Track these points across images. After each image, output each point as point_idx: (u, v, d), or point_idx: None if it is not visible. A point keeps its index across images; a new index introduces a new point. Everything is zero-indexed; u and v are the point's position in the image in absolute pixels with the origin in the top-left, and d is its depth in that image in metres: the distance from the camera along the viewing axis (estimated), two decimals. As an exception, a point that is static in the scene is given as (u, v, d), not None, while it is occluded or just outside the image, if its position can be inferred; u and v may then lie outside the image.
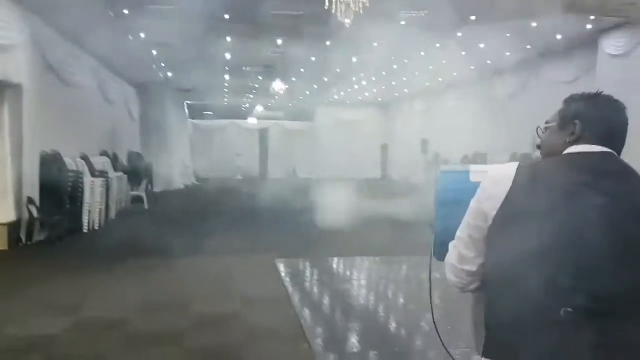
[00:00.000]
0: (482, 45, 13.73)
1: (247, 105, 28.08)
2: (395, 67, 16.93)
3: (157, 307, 5.75)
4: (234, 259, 7.95)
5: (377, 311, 6.02)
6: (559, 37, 12.65)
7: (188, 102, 25.28)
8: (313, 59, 15.47)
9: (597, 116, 1.52)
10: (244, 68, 17.50)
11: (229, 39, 13.18)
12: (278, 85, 18.92)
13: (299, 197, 14.97)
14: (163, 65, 16.84)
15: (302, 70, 17.20)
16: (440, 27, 11.57)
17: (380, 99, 26.51)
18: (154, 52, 14.69)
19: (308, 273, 7.82)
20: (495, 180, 1.51)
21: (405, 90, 23.26)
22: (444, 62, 15.99)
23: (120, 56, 14.32)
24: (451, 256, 1.62)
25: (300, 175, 27.17)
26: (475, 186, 1.55)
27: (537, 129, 1.65)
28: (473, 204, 1.55)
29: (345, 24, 8.34)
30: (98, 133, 14.47)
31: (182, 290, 6.31)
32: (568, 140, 1.53)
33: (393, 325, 5.50)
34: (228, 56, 15.14)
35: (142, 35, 12.53)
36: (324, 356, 4.48)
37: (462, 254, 1.58)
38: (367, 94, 24.62)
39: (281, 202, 14.38)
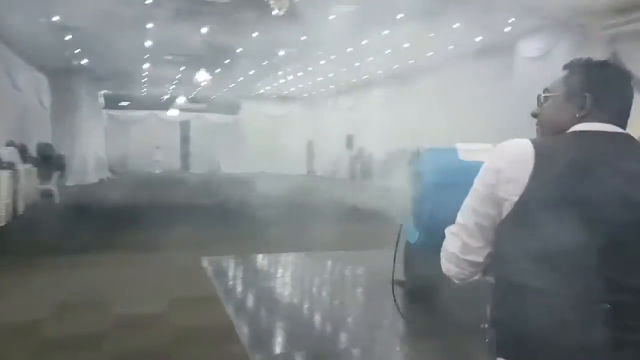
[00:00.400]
0: (406, 45, 14.00)
1: (168, 96, 27.15)
2: (322, 62, 16.93)
3: (73, 308, 5.35)
4: (156, 256, 7.59)
5: (306, 307, 5.93)
6: (478, 38, 13.11)
7: (104, 91, 24.12)
8: (239, 50, 15.15)
9: (608, 90, 1.41)
10: (165, 56, 16.86)
11: (150, 25, 12.59)
12: (202, 76, 18.36)
13: (221, 192, 14.65)
14: (77, 51, 15.89)
15: (228, 61, 16.81)
16: (368, 23, 11.67)
17: (305, 94, 26.50)
18: (68, 37, 13.80)
19: (234, 271, 7.60)
20: (513, 160, 1.34)
21: (331, 86, 23.39)
22: (370, 59, 16.20)
23: (30, 40, 13.39)
24: (451, 245, 1.47)
25: (225, 170, 26.66)
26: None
27: (537, 97, 1.52)
28: (480, 187, 1.38)
29: (277, 14, 8.16)
30: (5, 122, 13.60)
31: (100, 290, 5.92)
32: (577, 115, 1.40)
33: (320, 322, 5.42)
34: (148, 43, 14.49)
35: (55, 18, 11.72)
36: (256, 357, 4.32)
37: (466, 243, 1.43)
38: (292, 89, 24.54)
39: (202, 197, 14.01)
